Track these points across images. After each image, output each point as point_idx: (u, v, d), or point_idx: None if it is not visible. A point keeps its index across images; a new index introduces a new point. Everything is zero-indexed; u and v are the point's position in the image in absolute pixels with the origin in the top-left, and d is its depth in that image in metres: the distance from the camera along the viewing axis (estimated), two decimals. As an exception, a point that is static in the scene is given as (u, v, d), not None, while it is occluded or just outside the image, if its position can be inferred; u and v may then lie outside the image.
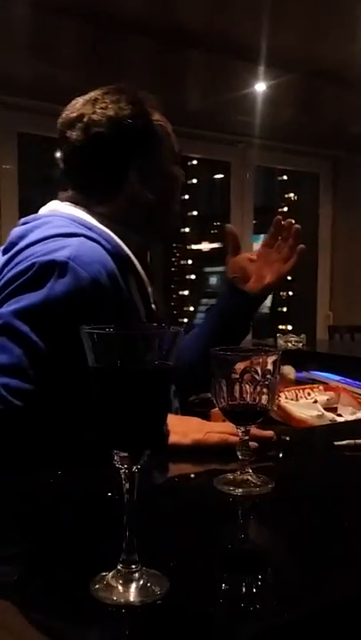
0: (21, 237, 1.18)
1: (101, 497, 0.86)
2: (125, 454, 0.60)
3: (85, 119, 1.24)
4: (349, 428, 1.37)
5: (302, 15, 3.14)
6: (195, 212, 6.03)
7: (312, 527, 0.81)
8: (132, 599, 0.59)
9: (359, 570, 0.69)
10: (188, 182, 5.26)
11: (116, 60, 3.41)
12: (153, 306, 1.29)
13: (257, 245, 2.60)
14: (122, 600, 0.59)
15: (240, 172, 5.08)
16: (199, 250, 6.42)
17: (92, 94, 1.28)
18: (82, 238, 1.13)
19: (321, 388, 1.72)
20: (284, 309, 6.25)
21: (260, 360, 0.93)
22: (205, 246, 6.41)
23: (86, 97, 1.28)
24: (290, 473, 1.06)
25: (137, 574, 0.61)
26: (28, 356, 1.01)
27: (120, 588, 0.60)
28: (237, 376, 0.91)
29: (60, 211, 1.26)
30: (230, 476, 0.92)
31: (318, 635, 0.60)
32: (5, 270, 1.15)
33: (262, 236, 2.04)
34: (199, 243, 6.41)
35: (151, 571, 0.62)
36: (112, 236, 1.20)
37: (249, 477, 0.91)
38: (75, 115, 1.26)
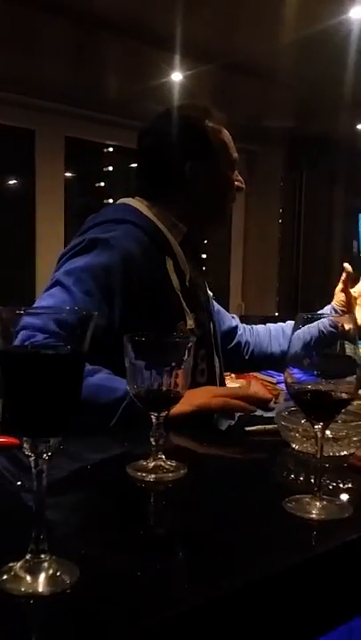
0: (91, 220, 1.46)
1: (10, 484, 0.83)
2: (32, 440, 0.58)
3: (155, 129, 1.51)
4: (260, 415, 1.39)
5: (218, 7, 3.15)
6: (110, 200, 5.97)
7: (224, 511, 0.81)
8: (40, 589, 0.58)
9: (270, 552, 0.70)
10: (104, 169, 5.19)
11: (31, 41, 3.31)
12: (187, 284, 1.48)
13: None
14: (30, 590, 0.57)
15: (156, 162, 5.07)
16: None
17: (164, 109, 1.52)
18: (129, 225, 1.39)
19: (233, 375, 1.74)
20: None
21: (175, 346, 0.93)
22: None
23: (162, 110, 1.52)
24: (202, 458, 1.07)
25: (46, 564, 0.59)
26: (68, 304, 1.25)
27: (28, 578, 0.58)
28: (153, 362, 0.90)
29: (124, 202, 1.51)
30: (143, 463, 0.91)
31: (232, 618, 0.60)
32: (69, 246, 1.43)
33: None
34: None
35: (61, 560, 0.61)
36: (157, 225, 1.44)
37: (162, 463, 0.91)
38: (148, 126, 1.53)
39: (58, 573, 0.59)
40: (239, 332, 1.76)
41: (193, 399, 1.17)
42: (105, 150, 4.93)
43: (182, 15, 3.07)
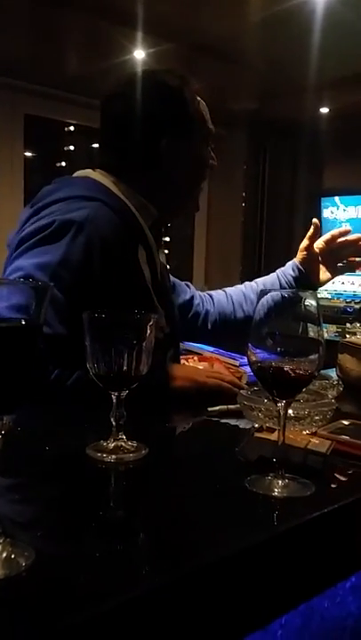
0: (49, 194, 1.29)
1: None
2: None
3: (127, 94, 1.32)
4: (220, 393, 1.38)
5: (182, -16, 3.11)
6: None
7: (185, 491, 0.80)
8: (-6, 573, 0.55)
9: (233, 530, 0.69)
10: (65, 149, 5.10)
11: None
12: (159, 277, 1.37)
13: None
14: (-17, 575, 0.55)
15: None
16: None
17: (140, 72, 1.37)
18: (100, 203, 1.24)
19: (195, 358, 1.73)
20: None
21: (136, 324, 0.91)
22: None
23: (132, 73, 1.37)
24: (163, 438, 1.05)
25: (0, 546, 0.57)
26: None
27: (-19, 562, 0.56)
28: (113, 340, 0.88)
29: (89, 176, 1.35)
30: (103, 443, 0.89)
31: (193, 598, 0.59)
32: (28, 223, 1.26)
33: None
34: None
35: (16, 542, 0.58)
36: (128, 207, 1.30)
37: (122, 444, 0.89)
38: (117, 90, 1.34)
39: (12, 556, 0.57)
40: (196, 302, 1.64)
41: (193, 376, 1.24)
42: (66, 129, 4.84)
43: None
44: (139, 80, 1.34)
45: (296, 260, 1.65)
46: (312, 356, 0.82)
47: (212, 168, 1.44)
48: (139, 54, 3.75)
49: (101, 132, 1.39)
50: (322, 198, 5.19)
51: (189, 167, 1.39)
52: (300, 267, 1.63)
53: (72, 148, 5.07)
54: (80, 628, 0.50)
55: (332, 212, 5.15)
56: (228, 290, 1.70)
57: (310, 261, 1.63)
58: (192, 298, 1.66)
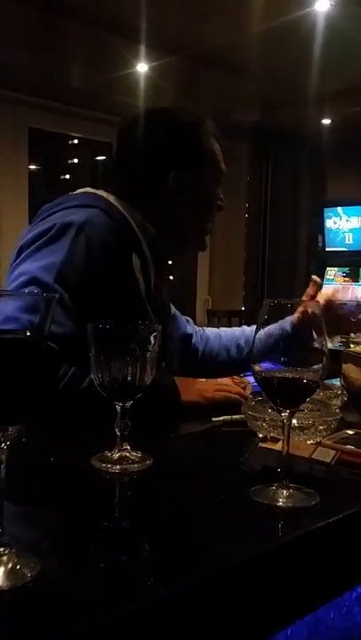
0: (47, 209, 1.34)
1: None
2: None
3: (141, 125, 1.38)
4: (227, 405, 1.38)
5: (184, -3, 3.14)
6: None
7: (190, 501, 0.80)
8: (0, 583, 0.55)
9: (237, 540, 0.69)
10: (69, 162, 5.13)
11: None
12: (152, 287, 1.38)
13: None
14: (-12, 585, 0.55)
15: (122, 154, 5.03)
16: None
17: (157, 107, 1.42)
18: (98, 210, 1.27)
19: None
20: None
21: (140, 335, 0.91)
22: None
23: (151, 107, 1.43)
24: (168, 448, 1.05)
25: (5, 557, 0.57)
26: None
27: (-13, 572, 0.56)
28: (118, 351, 0.88)
29: (89, 190, 1.38)
30: (108, 454, 0.89)
31: (198, 608, 0.59)
32: (27, 233, 1.29)
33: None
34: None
35: (22, 553, 0.59)
36: (125, 217, 1.31)
37: (127, 454, 0.89)
38: (136, 119, 1.40)
39: (18, 567, 0.57)
40: (194, 340, 1.66)
41: (203, 392, 1.26)
42: (70, 142, 4.88)
43: (148, 5, 3.04)
44: (158, 114, 1.40)
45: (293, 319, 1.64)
46: (316, 366, 0.82)
47: (219, 209, 1.46)
48: (142, 67, 3.78)
49: (116, 158, 1.45)
50: (325, 208, 5.20)
51: (195, 202, 1.41)
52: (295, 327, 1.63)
53: (76, 160, 5.10)
54: (85, 639, 0.50)
55: (335, 223, 5.16)
56: (223, 331, 1.72)
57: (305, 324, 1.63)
58: (191, 335, 1.66)
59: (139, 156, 1.38)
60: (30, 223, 1.37)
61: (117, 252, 1.26)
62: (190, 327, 1.68)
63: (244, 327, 1.75)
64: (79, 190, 1.42)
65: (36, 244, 1.24)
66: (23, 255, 1.25)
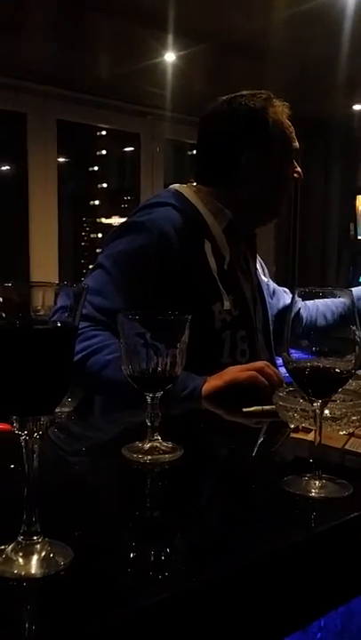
0: (134, 209, 1.54)
1: (2, 467, 0.81)
2: (22, 419, 0.56)
3: (215, 114, 1.53)
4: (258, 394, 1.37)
5: (212, -15, 3.11)
6: (105, 185, 5.91)
7: (221, 492, 0.80)
8: (33, 571, 0.56)
9: (270, 531, 0.68)
10: (97, 154, 5.14)
11: (20, 22, 3.25)
12: (226, 267, 1.50)
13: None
14: (22, 573, 0.56)
15: (150, 145, 5.01)
16: (110, 224, 6.30)
17: (229, 95, 1.54)
18: (168, 207, 1.47)
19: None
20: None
21: (171, 325, 0.91)
22: (116, 220, 6.29)
23: (223, 97, 1.55)
24: (199, 439, 1.05)
25: (38, 546, 0.58)
26: (108, 284, 1.36)
27: (21, 560, 0.57)
28: (148, 341, 0.88)
29: (171, 187, 1.58)
30: (139, 444, 0.89)
31: (231, 599, 0.59)
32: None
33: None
34: (109, 217, 6.29)
35: (54, 541, 0.59)
36: (198, 208, 1.49)
37: (157, 444, 0.89)
38: (209, 110, 1.54)
39: (51, 555, 0.58)
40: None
41: (224, 375, 1.27)
42: (98, 134, 4.88)
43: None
44: (227, 103, 1.53)
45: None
46: (349, 356, 0.81)
47: (296, 180, 1.58)
48: (169, 57, 3.76)
49: (196, 150, 1.62)
50: (357, 196, 5.12)
51: (269, 180, 1.54)
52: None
53: (104, 152, 5.10)
54: (117, 627, 0.51)
55: (367, 210, 5.07)
56: (319, 301, 1.79)
57: None
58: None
59: (212, 144, 1.54)
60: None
61: (179, 244, 1.41)
62: (289, 297, 1.78)
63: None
64: (170, 186, 1.59)
65: (110, 238, 1.47)
66: (103, 247, 1.50)
